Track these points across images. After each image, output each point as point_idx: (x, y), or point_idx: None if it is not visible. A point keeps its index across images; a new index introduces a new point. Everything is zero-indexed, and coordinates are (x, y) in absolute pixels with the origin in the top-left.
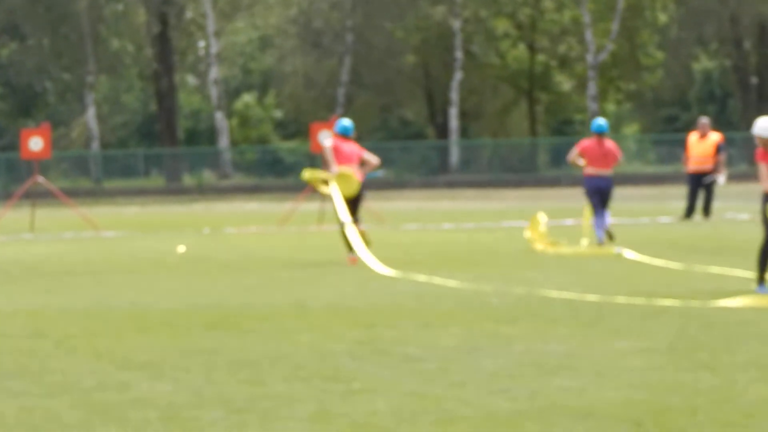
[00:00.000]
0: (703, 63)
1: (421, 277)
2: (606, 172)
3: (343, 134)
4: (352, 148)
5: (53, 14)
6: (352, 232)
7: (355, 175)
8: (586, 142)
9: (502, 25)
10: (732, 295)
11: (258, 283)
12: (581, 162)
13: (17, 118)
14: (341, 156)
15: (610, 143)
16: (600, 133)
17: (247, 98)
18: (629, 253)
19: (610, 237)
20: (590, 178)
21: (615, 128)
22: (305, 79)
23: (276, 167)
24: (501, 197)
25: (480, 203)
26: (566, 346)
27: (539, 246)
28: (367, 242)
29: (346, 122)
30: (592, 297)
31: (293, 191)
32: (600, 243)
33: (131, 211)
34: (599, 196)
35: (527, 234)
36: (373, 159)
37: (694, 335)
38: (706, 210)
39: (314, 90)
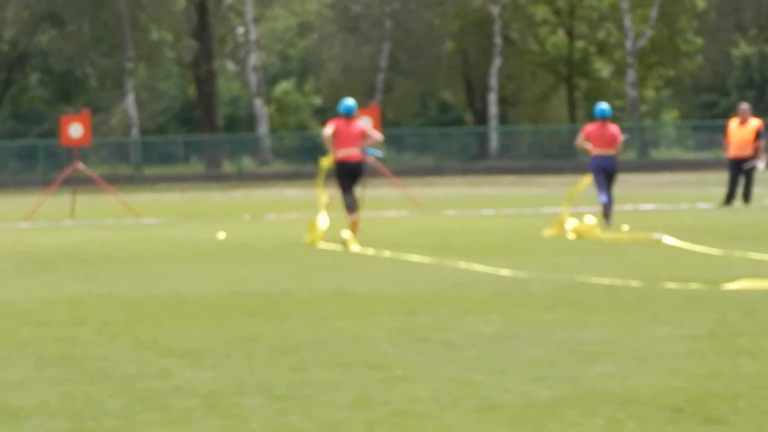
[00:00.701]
0: (742, 49)
1: (461, 264)
2: (610, 152)
3: (347, 114)
4: (354, 128)
5: (92, 1)
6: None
7: (355, 156)
8: (590, 127)
9: (540, 11)
10: None
11: (298, 270)
12: (588, 145)
13: (57, 105)
14: (341, 139)
15: (612, 127)
16: (603, 118)
17: (286, 85)
18: (669, 239)
19: (605, 216)
20: (596, 159)
21: (654, 115)
22: (344, 65)
23: (315, 154)
24: (540, 183)
25: (519, 189)
26: (606, 332)
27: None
28: (355, 229)
29: (350, 102)
30: (632, 283)
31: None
32: (606, 217)
33: (171, 198)
34: (604, 174)
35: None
36: (375, 134)
37: (735, 321)
38: (746, 196)
39: (353, 76)
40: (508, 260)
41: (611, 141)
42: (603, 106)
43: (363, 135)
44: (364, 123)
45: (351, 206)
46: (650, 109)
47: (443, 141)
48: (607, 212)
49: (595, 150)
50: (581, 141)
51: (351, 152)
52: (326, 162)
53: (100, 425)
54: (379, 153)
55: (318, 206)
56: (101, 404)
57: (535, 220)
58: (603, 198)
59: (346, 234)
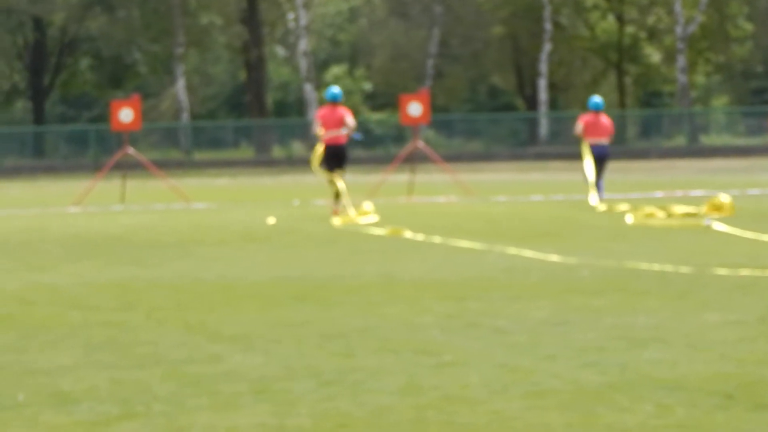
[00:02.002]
0: None
1: (511, 250)
2: (603, 141)
3: (332, 101)
4: (338, 113)
5: None
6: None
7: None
8: (586, 117)
9: None
10: None
11: (347, 255)
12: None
13: (107, 90)
14: (327, 124)
15: (605, 118)
16: (596, 110)
17: (337, 70)
18: (719, 225)
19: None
20: (591, 147)
21: (704, 100)
22: (394, 50)
23: (365, 139)
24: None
25: (569, 175)
26: (656, 318)
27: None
28: (338, 195)
29: (335, 90)
30: (681, 269)
31: (383, 163)
32: (600, 199)
33: (221, 183)
34: (597, 160)
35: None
36: (350, 122)
37: None
38: None
39: (403, 62)
40: (558, 246)
41: (604, 131)
42: (596, 99)
43: (345, 120)
44: (346, 110)
45: (336, 195)
46: (700, 94)
47: (493, 126)
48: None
49: (589, 139)
50: (581, 130)
51: (336, 135)
52: (320, 149)
53: (149, 410)
54: (359, 137)
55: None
56: (150, 389)
57: (585, 206)
58: (592, 176)
59: (336, 221)
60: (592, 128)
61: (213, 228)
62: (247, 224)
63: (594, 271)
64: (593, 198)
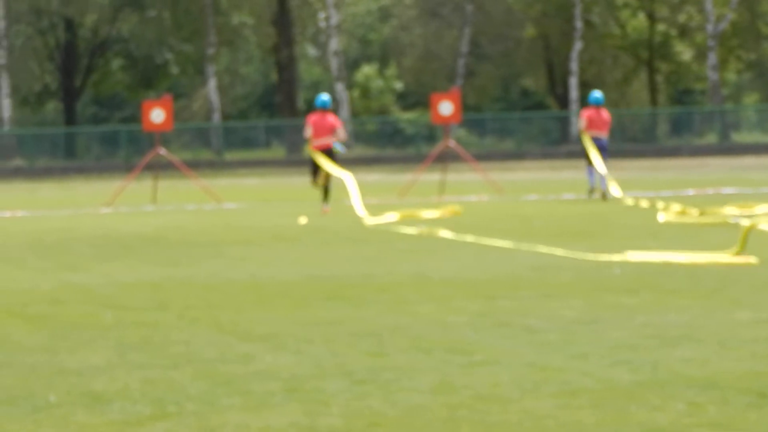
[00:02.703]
0: None
1: (542, 248)
2: (603, 135)
3: (322, 108)
4: (328, 120)
5: None
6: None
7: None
8: (588, 112)
9: None
10: None
11: (377, 254)
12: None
13: (139, 90)
14: (317, 130)
15: (605, 112)
16: (597, 105)
17: (368, 69)
18: (746, 222)
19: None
20: (592, 140)
21: (735, 98)
22: (425, 50)
23: (396, 138)
24: (621, 167)
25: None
26: (687, 316)
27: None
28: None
29: (325, 97)
30: (712, 267)
31: (414, 162)
32: (592, 188)
33: (252, 183)
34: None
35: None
36: (340, 133)
37: None
38: None
39: (434, 61)
40: (589, 244)
41: (604, 125)
42: (597, 94)
43: (335, 128)
44: (336, 118)
45: (325, 194)
46: (731, 92)
47: (524, 125)
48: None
49: (591, 132)
50: (584, 124)
51: (325, 141)
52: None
53: (181, 410)
54: (342, 149)
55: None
56: (183, 389)
57: (617, 205)
58: (604, 168)
59: (303, 220)
60: (593, 122)
61: (244, 228)
62: (278, 224)
63: (625, 269)
64: (615, 190)
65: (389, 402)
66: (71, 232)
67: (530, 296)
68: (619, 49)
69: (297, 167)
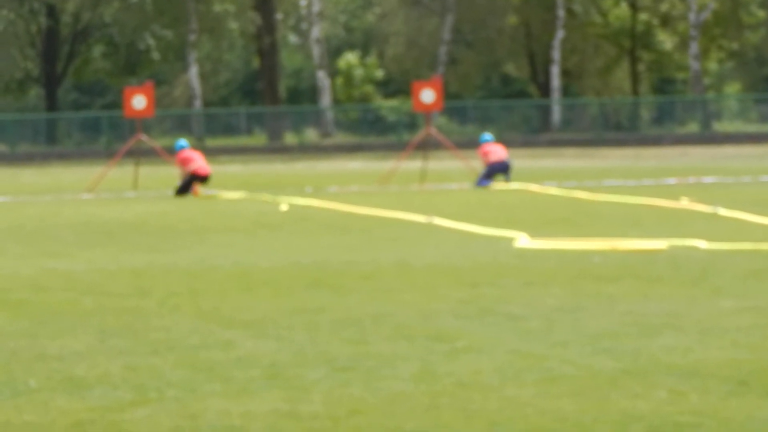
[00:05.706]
0: None
1: (524, 236)
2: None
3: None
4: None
5: None
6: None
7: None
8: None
9: None
10: None
11: (360, 242)
12: None
13: (120, 77)
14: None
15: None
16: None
17: (351, 57)
18: (724, 211)
19: None
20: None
21: (717, 87)
22: (407, 37)
23: (378, 126)
24: (603, 156)
25: (582, 162)
26: (669, 305)
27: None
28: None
29: (183, 143)
30: (694, 255)
31: (395, 150)
32: None
33: (233, 170)
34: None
35: None
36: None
37: None
38: None
39: (416, 48)
40: (571, 232)
41: (503, 151)
42: (487, 136)
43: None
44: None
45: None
46: (713, 81)
47: (506, 113)
48: None
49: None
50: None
51: (202, 165)
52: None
53: (162, 396)
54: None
55: None
56: (164, 375)
57: (597, 193)
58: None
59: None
60: (493, 153)
61: (226, 215)
62: (260, 211)
63: (607, 257)
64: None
65: (371, 389)
66: (52, 218)
67: (512, 284)
68: (601, 37)
69: (278, 154)
